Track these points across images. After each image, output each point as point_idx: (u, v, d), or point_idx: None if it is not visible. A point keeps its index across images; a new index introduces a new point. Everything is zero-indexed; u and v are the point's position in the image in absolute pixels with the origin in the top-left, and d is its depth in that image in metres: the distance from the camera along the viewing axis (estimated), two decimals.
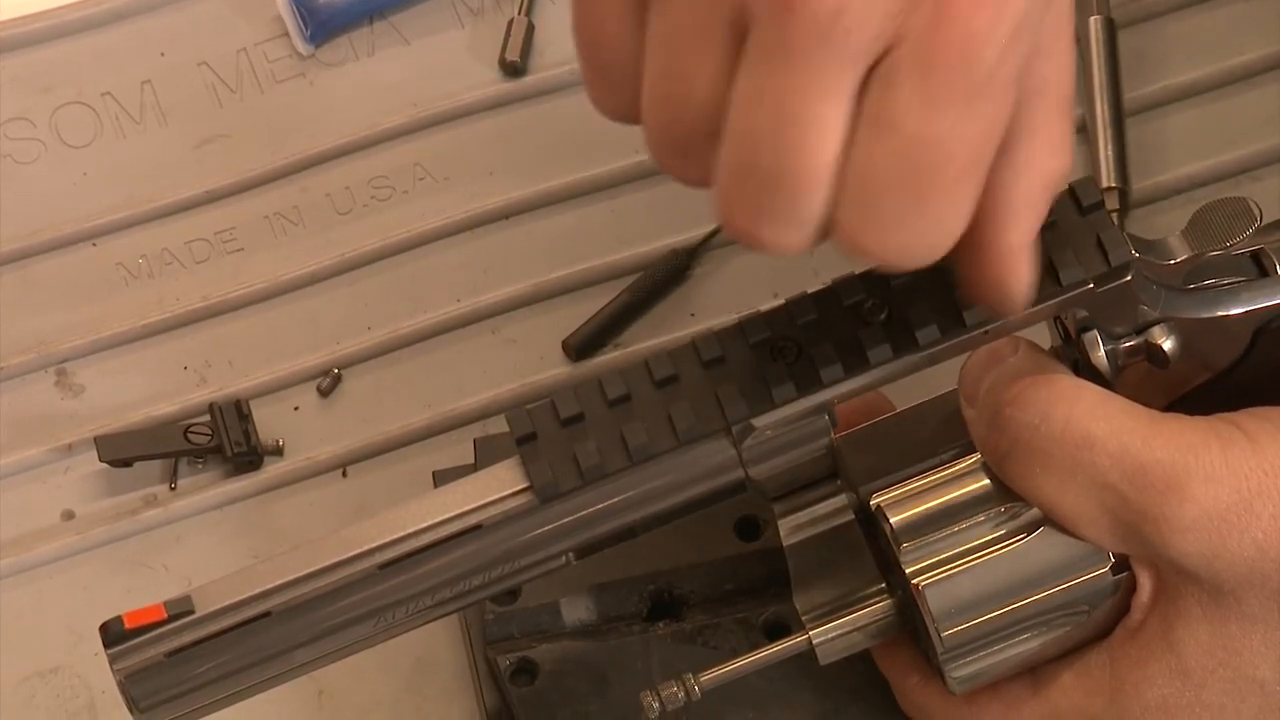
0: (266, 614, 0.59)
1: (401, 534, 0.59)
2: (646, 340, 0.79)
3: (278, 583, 0.59)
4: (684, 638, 0.69)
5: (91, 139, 0.83)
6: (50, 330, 0.79)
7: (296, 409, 0.78)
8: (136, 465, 0.77)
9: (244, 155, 0.82)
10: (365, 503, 0.77)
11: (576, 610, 0.70)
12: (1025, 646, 0.62)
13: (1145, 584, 0.61)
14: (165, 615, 0.58)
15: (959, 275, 0.56)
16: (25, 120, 0.83)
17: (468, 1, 0.84)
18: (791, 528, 0.63)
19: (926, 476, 0.62)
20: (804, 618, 0.63)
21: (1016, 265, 0.55)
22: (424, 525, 0.59)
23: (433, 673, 0.74)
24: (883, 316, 0.59)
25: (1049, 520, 0.61)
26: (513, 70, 0.83)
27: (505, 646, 0.69)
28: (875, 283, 0.59)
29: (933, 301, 0.59)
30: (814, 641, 0.63)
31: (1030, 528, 0.61)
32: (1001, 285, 0.55)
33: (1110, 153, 0.80)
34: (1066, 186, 0.60)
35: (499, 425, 0.77)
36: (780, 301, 0.60)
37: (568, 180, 0.81)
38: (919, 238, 0.52)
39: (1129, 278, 0.59)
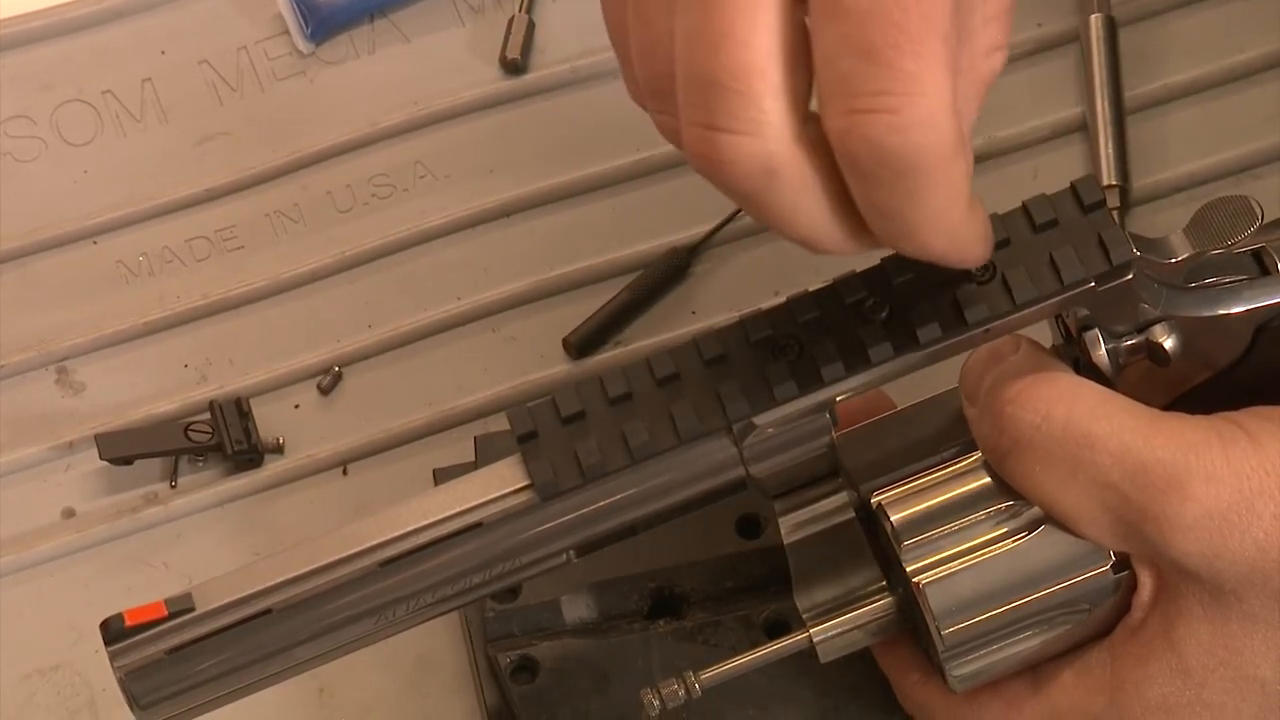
0: (267, 611, 0.59)
1: (402, 532, 0.59)
2: (647, 338, 0.79)
3: (278, 580, 0.59)
4: (685, 636, 0.69)
5: (92, 137, 0.83)
6: (51, 328, 0.79)
7: (297, 407, 0.78)
8: (137, 463, 0.77)
9: (244, 153, 0.82)
10: (366, 500, 0.77)
11: (577, 608, 0.70)
12: (1026, 645, 0.62)
13: (1146, 583, 0.61)
14: (166, 613, 0.58)
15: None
16: (26, 118, 0.83)
17: None
18: (792, 526, 0.63)
19: (927, 475, 0.62)
20: (804, 616, 0.63)
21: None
22: (424, 523, 0.59)
23: (433, 670, 0.74)
24: (884, 314, 0.59)
25: (1050, 519, 0.61)
26: (513, 68, 0.83)
27: (506, 644, 0.69)
28: (876, 281, 0.59)
29: (934, 300, 0.59)
30: (814, 639, 0.63)
31: (1031, 526, 0.61)
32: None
33: (1111, 151, 0.80)
34: (1068, 185, 0.60)
35: (499, 423, 0.76)
36: (781, 299, 0.60)
37: (568, 178, 0.81)
38: (907, 112, 0.50)
39: (1130, 276, 0.59)
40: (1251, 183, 0.80)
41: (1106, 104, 0.80)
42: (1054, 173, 0.81)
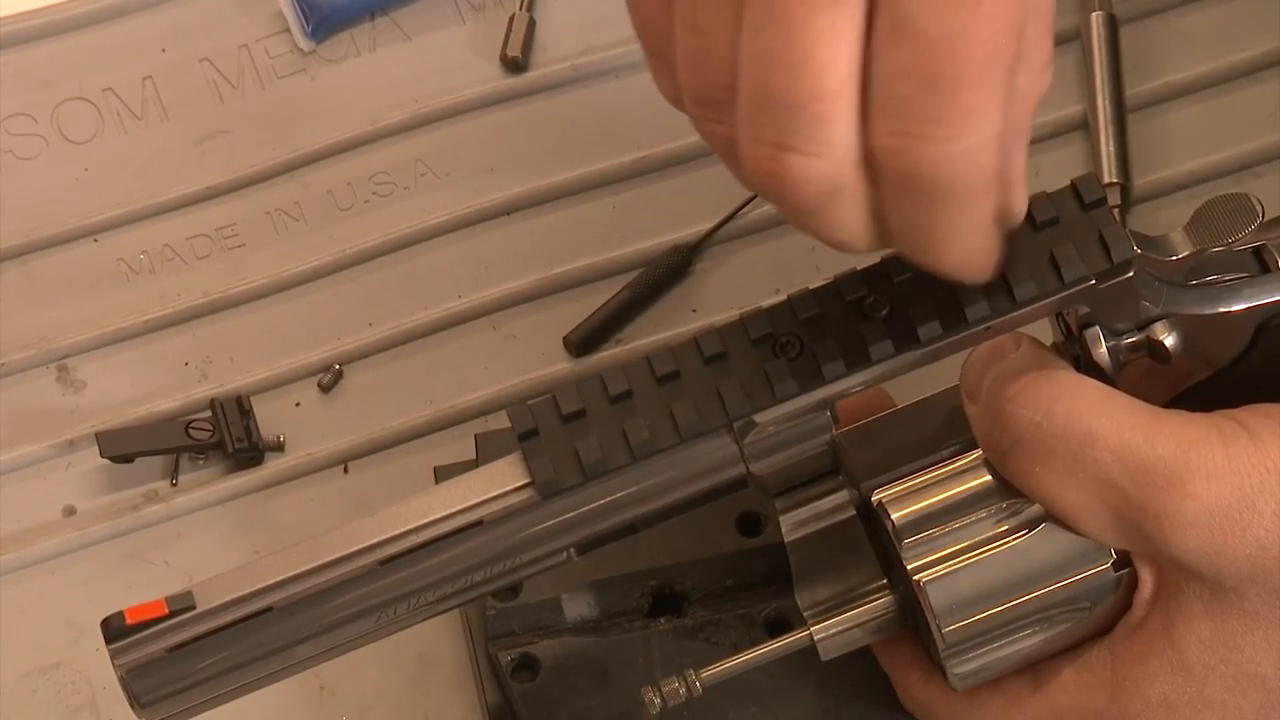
0: (268, 609, 0.59)
1: (403, 530, 0.59)
2: (648, 336, 0.79)
3: (279, 578, 0.59)
4: (685, 633, 0.69)
5: (93, 135, 0.83)
6: (51, 326, 0.79)
7: (298, 405, 0.78)
8: (138, 461, 0.77)
9: (245, 151, 0.82)
10: (366, 499, 0.77)
11: (578, 606, 0.70)
12: (1027, 643, 0.62)
13: (1147, 580, 0.61)
14: (167, 611, 0.58)
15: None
16: (27, 116, 0.83)
17: None
18: (793, 524, 0.63)
19: (928, 473, 0.62)
20: (805, 614, 0.63)
21: (1019, 187, 0.55)
22: (425, 521, 0.59)
23: (434, 668, 0.74)
24: (885, 312, 0.59)
25: (1050, 516, 0.61)
26: (514, 66, 0.83)
27: (507, 642, 0.69)
28: (877, 278, 0.59)
29: (934, 298, 0.59)
30: (815, 637, 0.63)
31: (1032, 524, 0.61)
32: (1010, 211, 0.55)
33: (1112, 148, 0.80)
34: (1069, 183, 0.60)
35: (500, 421, 0.77)
36: (782, 297, 0.60)
37: (569, 176, 0.81)
38: (958, 141, 0.51)
39: (1131, 274, 0.59)
40: (1252, 180, 0.80)
41: (1107, 102, 0.80)
42: (1055, 170, 0.81)
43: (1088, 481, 0.59)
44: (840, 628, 0.63)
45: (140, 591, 0.75)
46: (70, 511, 0.77)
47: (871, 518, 0.63)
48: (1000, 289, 0.59)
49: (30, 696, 0.74)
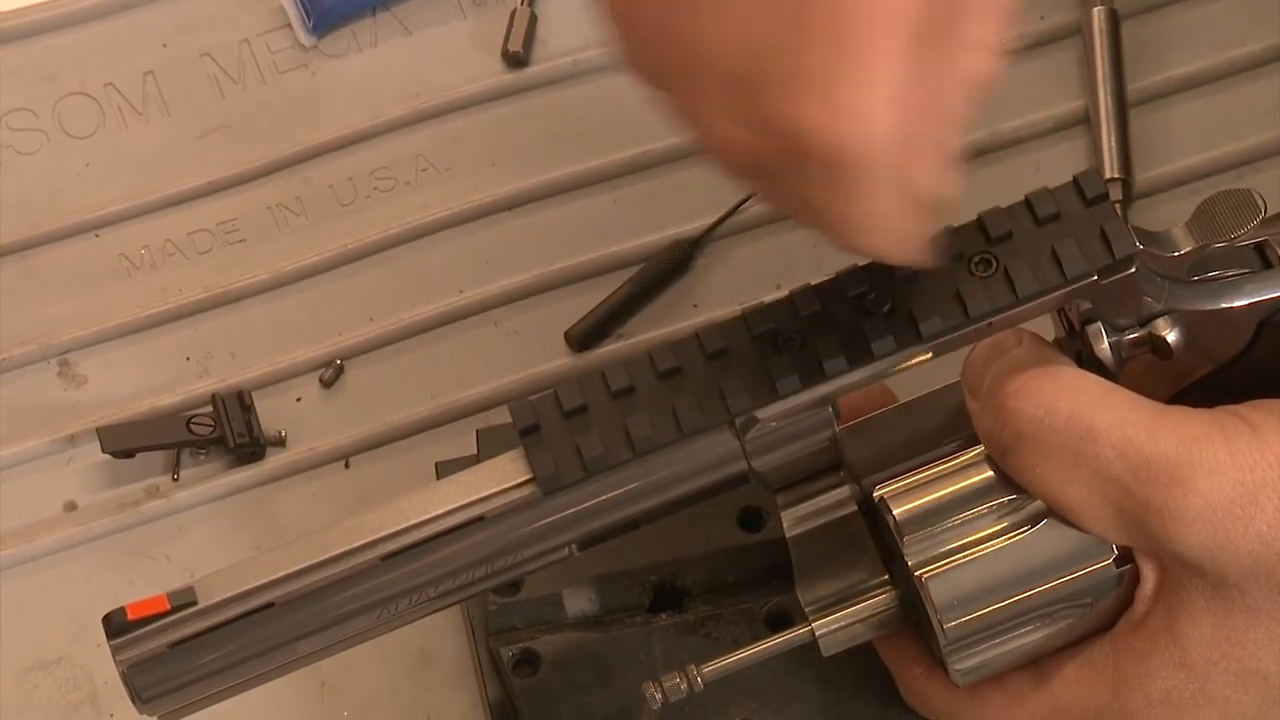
0: (269, 605, 0.59)
1: (404, 525, 0.59)
2: (649, 331, 0.79)
3: (280, 574, 0.59)
4: (686, 629, 0.69)
5: (94, 130, 0.83)
6: (53, 321, 0.79)
7: (299, 400, 0.78)
8: (139, 456, 0.77)
9: (246, 146, 0.82)
10: (368, 494, 0.77)
11: (579, 601, 0.70)
12: (1028, 639, 0.62)
13: (1149, 576, 0.61)
14: (168, 606, 0.58)
15: None
16: (28, 111, 0.83)
17: None
18: (794, 519, 0.63)
19: (930, 468, 0.62)
20: (807, 609, 0.63)
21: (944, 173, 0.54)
22: (427, 517, 0.59)
23: (435, 664, 0.74)
24: (886, 308, 0.59)
25: (1052, 512, 0.61)
26: (515, 61, 0.83)
27: (508, 638, 0.69)
28: (879, 274, 0.59)
29: (936, 293, 0.59)
30: (817, 633, 0.63)
31: (1034, 520, 0.61)
32: (923, 194, 0.54)
33: (1113, 144, 0.80)
34: (1071, 178, 0.60)
35: (501, 416, 0.76)
36: (784, 293, 0.60)
37: (570, 171, 0.81)
38: (842, 103, 0.50)
39: (1133, 270, 0.59)
40: (1254, 176, 0.80)
41: (1109, 97, 0.80)
42: (1056, 166, 0.81)
43: (1090, 477, 0.59)
44: (842, 623, 0.63)
45: (142, 587, 0.75)
46: (71, 507, 0.77)
47: (873, 513, 0.63)
48: (1002, 284, 0.59)
49: (31, 692, 0.74)
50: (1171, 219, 0.63)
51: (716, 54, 0.51)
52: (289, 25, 0.84)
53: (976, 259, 0.59)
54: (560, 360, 0.79)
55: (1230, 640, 0.60)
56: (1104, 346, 0.61)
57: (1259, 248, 0.62)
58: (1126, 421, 0.59)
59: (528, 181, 0.81)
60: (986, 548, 0.61)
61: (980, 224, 0.59)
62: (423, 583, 0.59)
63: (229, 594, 0.59)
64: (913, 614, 0.63)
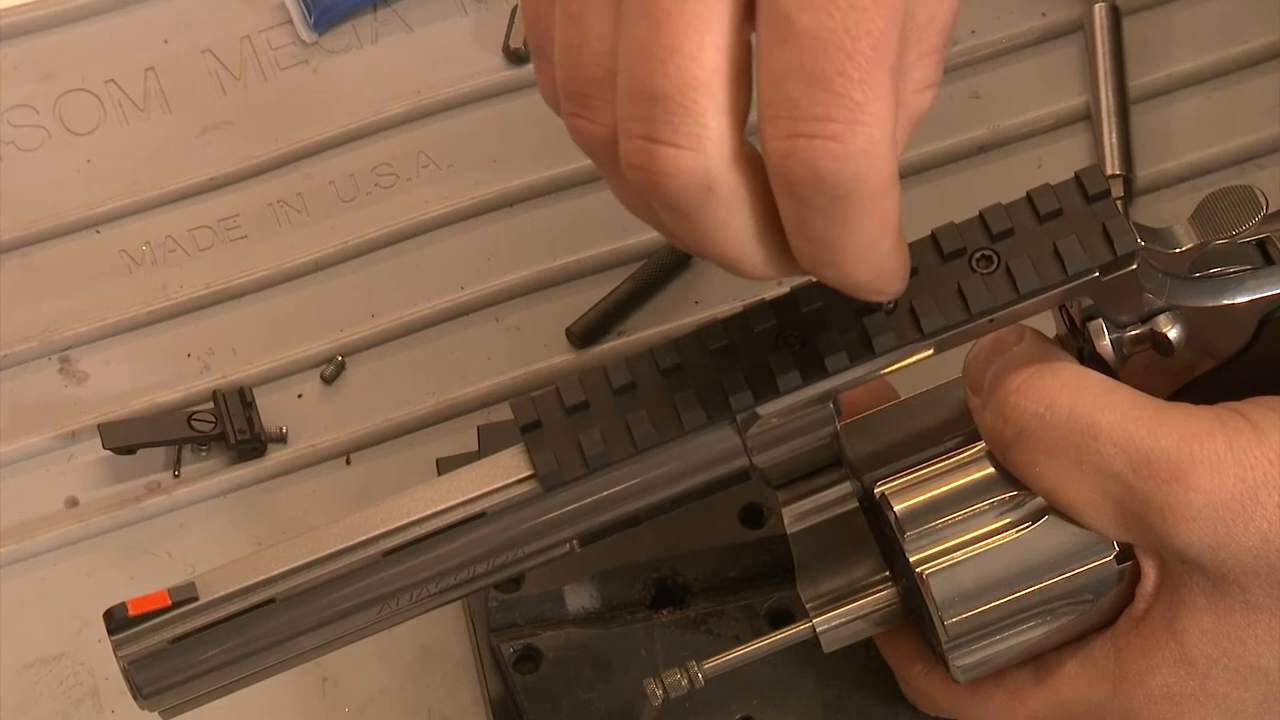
0: (270, 601, 0.59)
1: (405, 521, 0.59)
2: (650, 328, 0.79)
3: (282, 570, 0.59)
4: (688, 625, 0.69)
5: (95, 126, 0.83)
6: (54, 317, 0.79)
7: (300, 396, 0.78)
8: (140, 452, 0.77)
9: (247, 142, 0.82)
10: (369, 490, 0.77)
11: (580, 597, 0.70)
12: (1029, 635, 0.62)
13: (1150, 573, 0.61)
14: (169, 602, 0.58)
15: None
16: (29, 107, 0.83)
17: None
18: (795, 515, 0.63)
19: (931, 465, 0.62)
20: (808, 606, 0.63)
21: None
22: (428, 513, 0.59)
23: (436, 660, 0.74)
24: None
25: (1053, 509, 0.61)
26: (516, 57, 0.83)
27: (509, 634, 0.69)
28: None
29: (938, 290, 0.59)
30: (818, 629, 0.63)
31: (1035, 516, 0.61)
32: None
33: (1115, 140, 0.80)
34: (1072, 175, 0.60)
35: (503, 413, 0.77)
36: (785, 289, 0.60)
37: (571, 167, 0.81)
38: (850, 139, 0.51)
39: (1135, 266, 0.59)
40: (1256, 172, 0.80)
41: (1110, 93, 0.80)
42: (1058, 162, 0.81)
43: (1091, 474, 0.59)
44: (842, 620, 0.63)
45: (143, 583, 0.75)
46: (73, 503, 0.77)
47: (874, 510, 0.63)
48: (1004, 281, 0.59)
49: (33, 688, 0.74)
50: (1173, 215, 0.63)
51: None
52: (290, 22, 0.84)
53: (978, 255, 0.59)
54: (561, 357, 0.79)
55: (1231, 637, 0.60)
56: (1105, 343, 0.61)
57: (1260, 244, 0.62)
58: (1127, 418, 0.59)
59: (529, 178, 0.81)
60: (987, 544, 0.61)
61: (982, 220, 0.59)
62: (424, 579, 0.59)
63: (230, 590, 0.59)
64: (914, 610, 0.63)
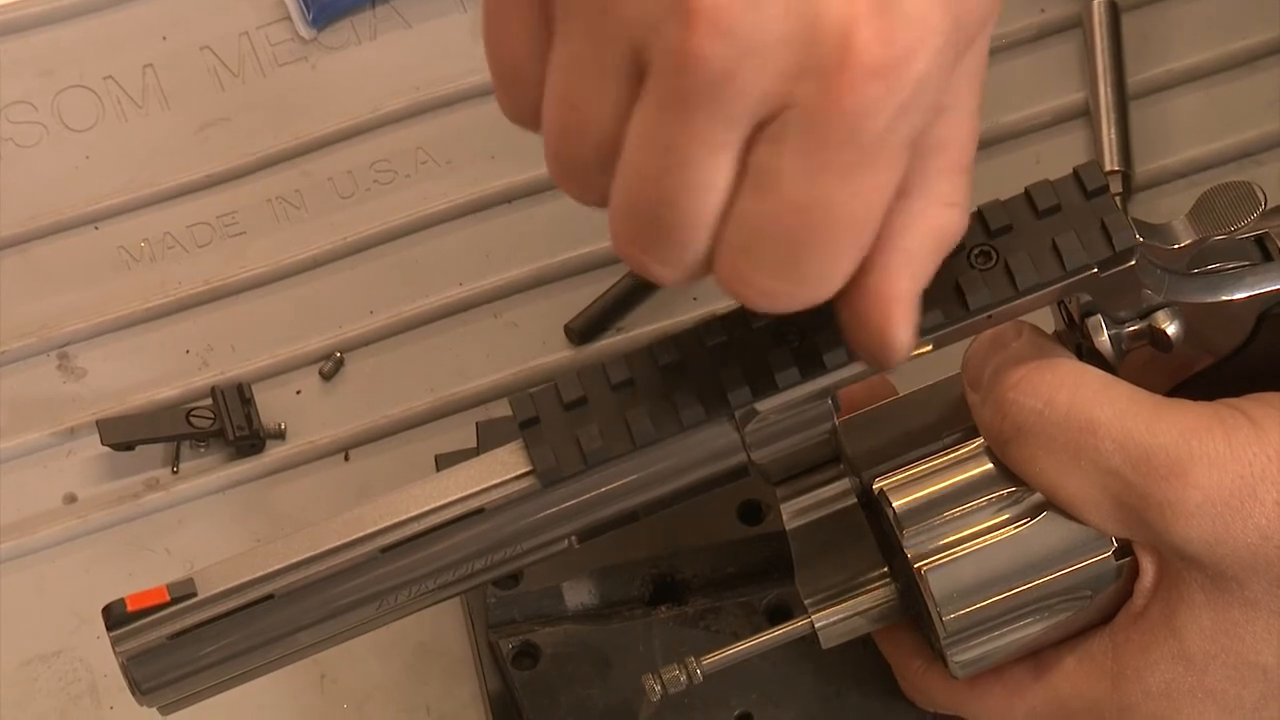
0: (269, 597, 0.59)
1: (404, 517, 0.59)
2: (649, 324, 0.79)
3: (280, 566, 0.59)
4: (686, 621, 0.69)
5: (93, 122, 0.83)
6: (52, 313, 0.79)
7: (299, 393, 0.78)
8: (138, 449, 0.77)
9: (246, 139, 0.82)
10: (367, 486, 0.77)
11: (579, 594, 0.70)
12: (1028, 631, 0.62)
13: (1148, 569, 0.61)
14: (168, 598, 0.58)
15: (840, 318, 0.56)
16: (27, 104, 0.83)
17: None
18: (794, 512, 0.63)
19: (929, 461, 0.62)
20: (806, 602, 0.63)
21: (896, 315, 0.55)
22: (426, 509, 0.59)
23: (435, 656, 0.74)
24: None
25: (1052, 505, 0.61)
26: None
27: (507, 630, 0.69)
28: None
29: (936, 286, 0.59)
30: (816, 625, 0.63)
31: (1033, 512, 0.61)
32: (880, 334, 0.55)
33: (1113, 136, 0.80)
34: (1071, 171, 0.60)
35: (501, 409, 0.77)
36: None
37: None
38: (792, 291, 0.53)
39: (1134, 262, 0.59)
40: (1254, 168, 0.80)
41: (1109, 89, 0.80)
42: (1057, 158, 0.81)
43: (1089, 470, 0.59)
44: (841, 616, 0.63)
45: (141, 579, 0.74)
46: (71, 499, 0.77)
47: (873, 506, 0.63)
48: (1002, 277, 0.59)
49: (31, 684, 0.74)
50: (1172, 211, 0.63)
51: None
52: (288, 18, 0.84)
53: (976, 251, 0.59)
54: (560, 353, 0.78)
55: (1229, 633, 0.60)
56: (1104, 339, 0.61)
57: (1259, 240, 0.62)
58: (1126, 414, 0.59)
59: (528, 174, 0.81)
60: (986, 540, 0.61)
61: (980, 216, 0.59)
62: (422, 574, 0.59)
63: (229, 585, 0.59)
64: (912, 606, 0.63)
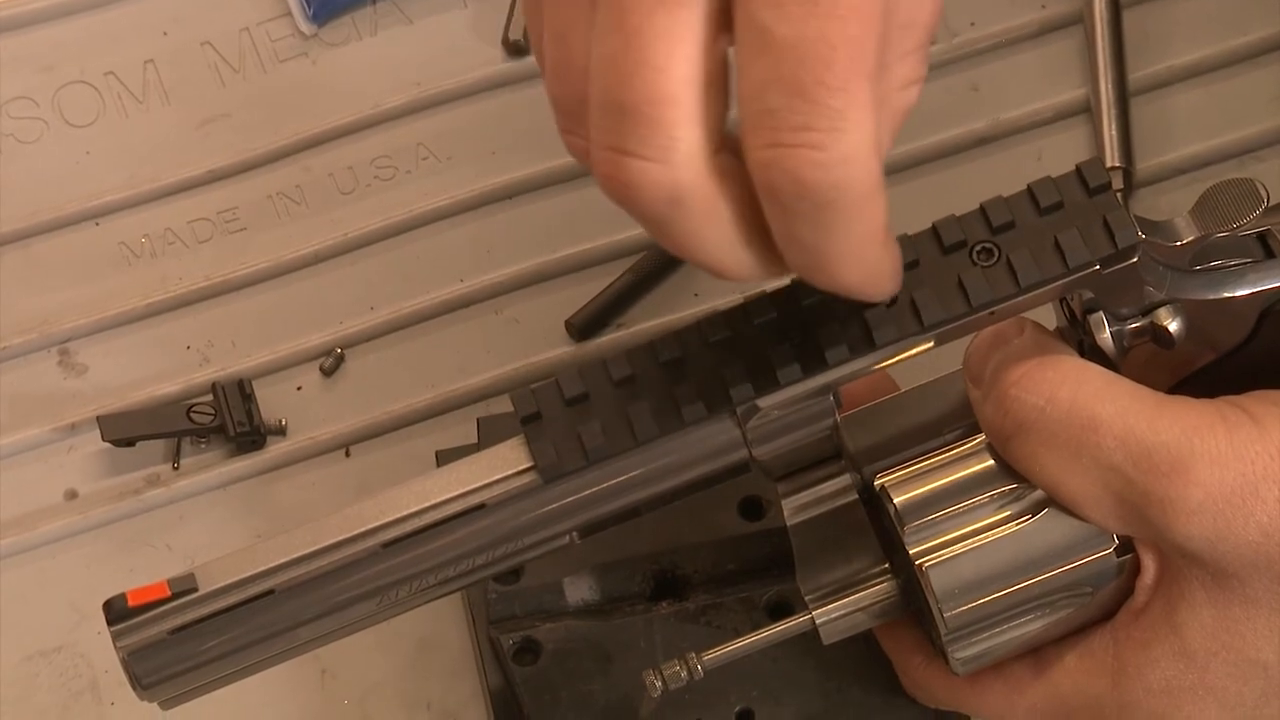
0: (269, 592, 0.59)
1: (404, 513, 0.59)
2: (650, 320, 0.79)
3: (281, 561, 0.59)
4: (687, 617, 0.69)
5: (94, 118, 0.83)
6: (53, 310, 0.79)
7: (299, 389, 0.78)
8: (139, 445, 0.77)
9: (246, 135, 0.82)
10: (368, 482, 0.77)
11: (579, 589, 0.70)
12: (1028, 628, 0.62)
13: (1149, 566, 0.61)
14: (169, 593, 0.58)
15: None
16: (28, 99, 0.83)
17: None
18: (795, 508, 0.63)
19: (931, 457, 0.62)
20: (807, 598, 0.63)
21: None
22: (427, 504, 0.59)
23: (436, 652, 0.74)
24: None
25: (1053, 502, 0.61)
26: (516, 49, 0.83)
27: (508, 626, 0.69)
28: None
29: (938, 282, 0.59)
30: (817, 621, 0.63)
31: (1035, 509, 0.61)
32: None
33: (1115, 133, 0.80)
34: (1073, 167, 0.59)
35: (502, 405, 0.77)
36: (785, 282, 0.60)
37: (570, 160, 0.80)
38: (833, 147, 0.51)
39: (1135, 259, 0.59)
40: (1256, 165, 0.80)
41: (1110, 86, 0.80)
42: (1058, 155, 0.81)
43: (1091, 467, 0.59)
44: (842, 612, 0.63)
45: (142, 574, 0.75)
46: (72, 495, 0.77)
47: (874, 502, 0.63)
48: (1004, 273, 0.59)
49: (32, 680, 0.74)
50: (1173, 208, 0.63)
51: None
52: (289, 14, 0.84)
53: (979, 248, 0.59)
54: (561, 349, 0.79)
55: (1230, 631, 0.60)
56: (1105, 336, 0.61)
57: (1261, 237, 0.62)
58: (1128, 411, 0.59)
59: (528, 170, 0.81)
60: (987, 537, 0.61)
61: (982, 213, 0.59)
62: (423, 570, 0.59)
63: (229, 581, 0.59)
64: (913, 602, 0.63)
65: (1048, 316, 0.63)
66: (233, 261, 0.80)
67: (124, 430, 0.76)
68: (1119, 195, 0.78)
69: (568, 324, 0.79)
